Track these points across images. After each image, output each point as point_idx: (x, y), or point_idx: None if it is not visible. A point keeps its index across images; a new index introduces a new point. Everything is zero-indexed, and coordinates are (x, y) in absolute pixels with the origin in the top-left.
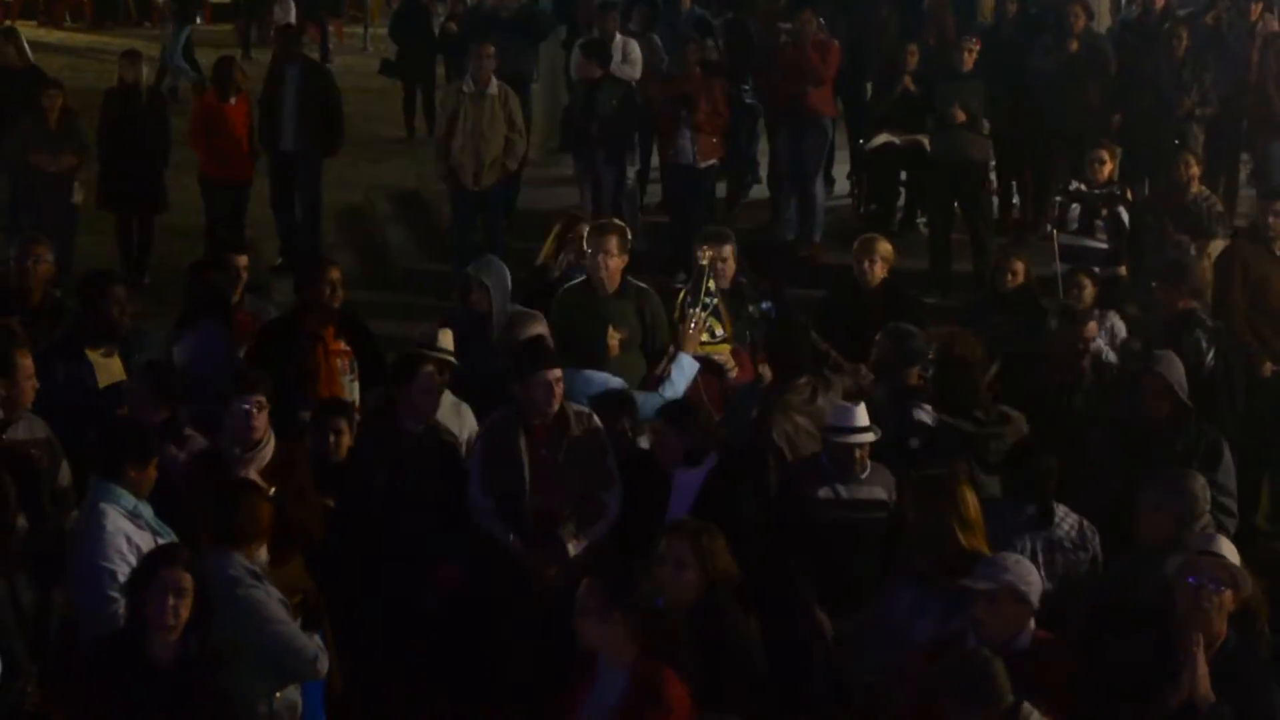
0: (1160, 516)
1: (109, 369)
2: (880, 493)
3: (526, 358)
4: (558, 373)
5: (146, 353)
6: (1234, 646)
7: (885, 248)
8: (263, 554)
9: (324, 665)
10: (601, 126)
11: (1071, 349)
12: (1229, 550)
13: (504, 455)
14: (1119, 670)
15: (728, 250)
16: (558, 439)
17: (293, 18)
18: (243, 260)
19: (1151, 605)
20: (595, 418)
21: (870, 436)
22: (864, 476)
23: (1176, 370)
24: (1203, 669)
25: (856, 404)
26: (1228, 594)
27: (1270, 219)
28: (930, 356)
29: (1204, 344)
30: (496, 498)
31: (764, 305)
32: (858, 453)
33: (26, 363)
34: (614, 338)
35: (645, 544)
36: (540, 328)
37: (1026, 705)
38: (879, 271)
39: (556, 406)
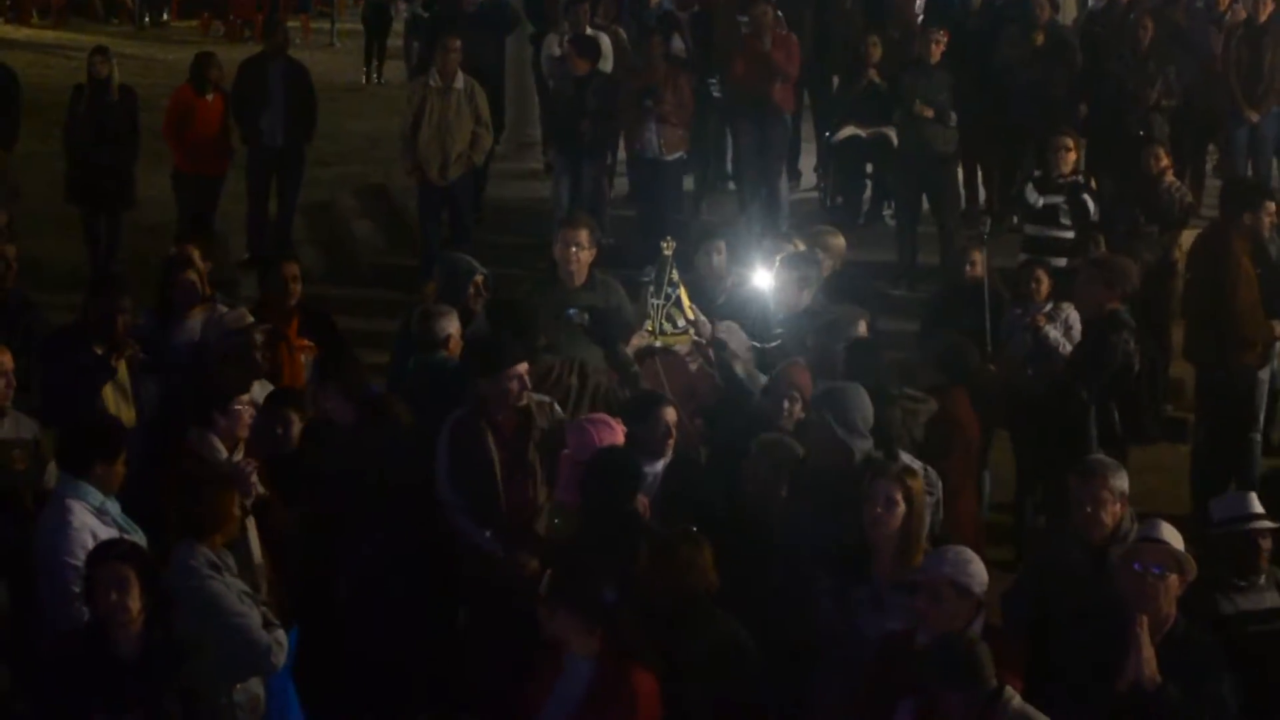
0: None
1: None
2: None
3: (492, 354)
4: (524, 366)
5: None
6: (1183, 630)
7: (837, 242)
8: (256, 548)
9: (280, 659)
10: (589, 121)
11: None
12: (1171, 535)
13: (472, 454)
14: (1069, 658)
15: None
16: (525, 433)
17: None
18: (194, 251)
19: (1099, 593)
20: (557, 407)
21: (1268, 524)
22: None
23: (848, 404)
24: (1149, 652)
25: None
26: (1172, 578)
27: (1266, 218)
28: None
29: (1130, 345)
30: (467, 496)
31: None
32: (1263, 544)
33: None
34: None
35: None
36: (451, 324)
37: (1009, 689)
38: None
39: (523, 401)
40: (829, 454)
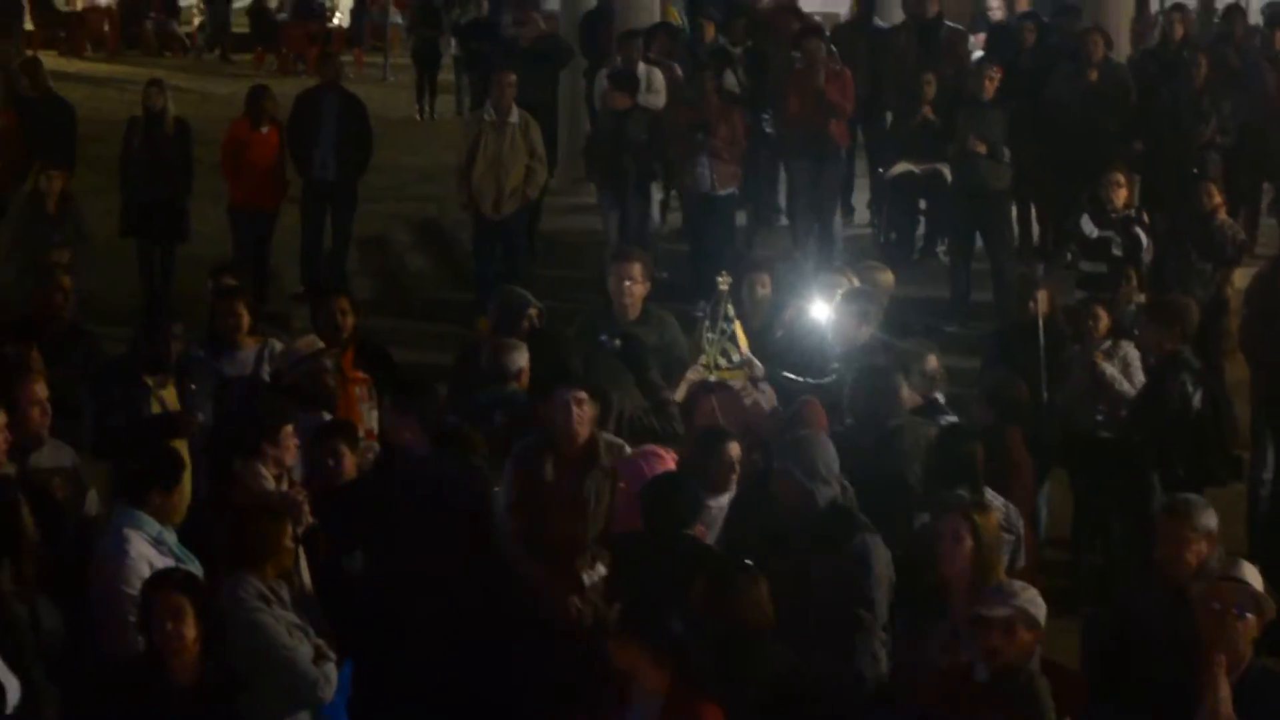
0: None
1: (165, 397)
2: None
3: (546, 378)
4: (580, 394)
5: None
6: (1259, 670)
7: (885, 278)
8: (306, 579)
9: (328, 693)
10: (632, 156)
11: None
12: (1252, 575)
13: (531, 479)
14: (1146, 695)
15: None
16: (586, 467)
17: None
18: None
19: (1175, 631)
20: (627, 449)
21: None
22: None
23: (811, 452)
24: (1225, 692)
25: None
26: (1251, 619)
27: None
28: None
29: (1189, 387)
30: (520, 524)
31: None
32: None
33: (32, 390)
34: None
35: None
36: (522, 357)
37: None
38: None
39: (582, 430)
40: (793, 501)
